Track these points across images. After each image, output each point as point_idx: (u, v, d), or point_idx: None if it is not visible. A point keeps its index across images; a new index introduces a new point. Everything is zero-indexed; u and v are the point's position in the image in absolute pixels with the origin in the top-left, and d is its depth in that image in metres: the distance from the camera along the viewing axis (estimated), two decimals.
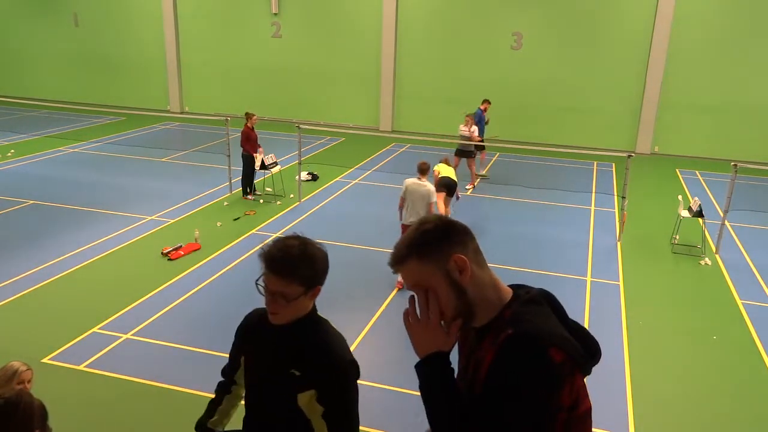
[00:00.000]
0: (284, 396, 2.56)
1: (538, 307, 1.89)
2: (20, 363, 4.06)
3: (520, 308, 1.86)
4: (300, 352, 2.55)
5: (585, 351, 1.86)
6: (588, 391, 1.87)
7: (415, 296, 1.94)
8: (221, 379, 3.01)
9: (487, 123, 14.73)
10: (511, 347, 1.76)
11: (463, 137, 13.31)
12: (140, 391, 6.04)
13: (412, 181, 8.40)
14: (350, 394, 2.59)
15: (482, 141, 13.93)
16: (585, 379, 1.86)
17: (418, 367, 1.92)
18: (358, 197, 12.81)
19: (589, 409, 1.87)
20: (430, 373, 1.89)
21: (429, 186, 8.34)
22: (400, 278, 8.57)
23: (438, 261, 1.86)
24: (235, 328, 2.87)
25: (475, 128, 13.33)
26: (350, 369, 2.59)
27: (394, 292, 8.41)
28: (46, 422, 2.95)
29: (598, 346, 1.96)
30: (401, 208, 8.50)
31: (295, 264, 2.43)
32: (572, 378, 1.78)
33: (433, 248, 1.87)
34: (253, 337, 2.72)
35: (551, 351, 1.73)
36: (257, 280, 2.50)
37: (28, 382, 4.05)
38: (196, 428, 2.96)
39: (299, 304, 2.52)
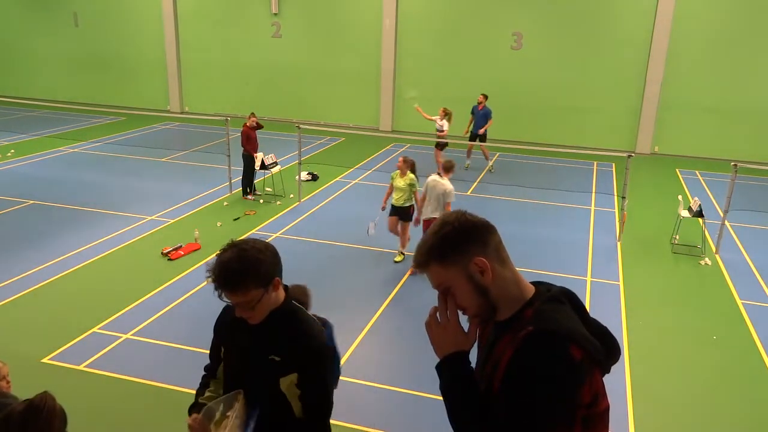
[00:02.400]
0: (266, 382, 2.62)
1: (559, 305, 1.89)
2: None
3: (542, 306, 1.87)
4: (279, 339, 2.61)
5: (605, 349, 1.86)
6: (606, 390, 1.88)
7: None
8: (204, 374, 3.04)
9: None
10: (531, 344, 1.77)
11: (439, 129, 14.27)
12: (140, 391, 6.04)
13: (432, 178, 8.61)
14: (327, 377, 2.66)
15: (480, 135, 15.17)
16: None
17: (438, 367, 1.94)
18: (358, 197, 12.80)
19: (608, 407, 1.88)
20: (450, 372, 1.90)
21: (447, 185, 8.42)
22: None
23: (458, 264, 1.88)
24: None
25: (445, 122, 14.15)
26: (328, 353, 2.66)
27: (394, 292, 8.42)
28: (65, 428, 2.92)
29: (618, 344, 1.98)
30: (420, 204, 8.78)
31: (240, 275, 2.48)
32: (591, 375, 1.78)
33: (452, 253, 1.88)
34: (231, 331, 2.77)
35: (571, 348, 1.74)
36: (220, 296, 2.55)
37: (7, 376, 3.93)
38: (189, 411, 2.92)
39: (266, 302, 2.57)
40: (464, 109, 15.62)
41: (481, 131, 15.06)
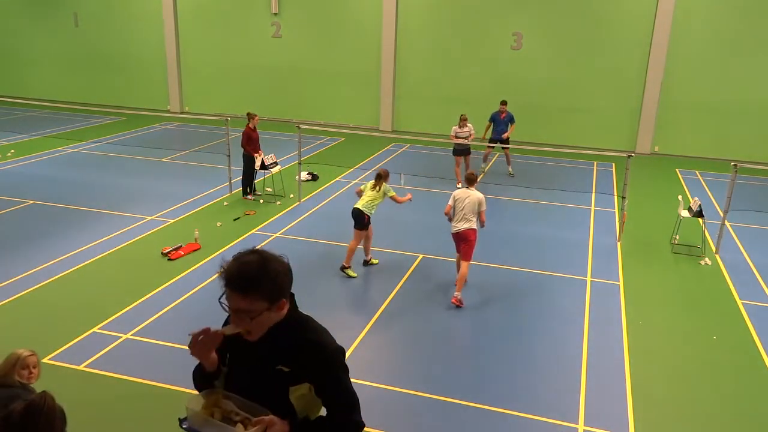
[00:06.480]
0: (275, 393, 2.57)
1: None
2: (24, 349, 4.00)
3: None
4: (287, 349, 2.56)
5: None
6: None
7: None
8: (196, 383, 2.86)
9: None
10: None
11: (460, 136, 13.48)
12: (140, 391, 6.04)
13: (462, 189, 8.33)
14: (346, 378, 2.63)
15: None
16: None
17: None
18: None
19: None
20: None
21: (479, 194, 8.21)
22: (457, 295, 8.12)
23: None
24: None
25: (471, 126, 13.56)
26: (340, 355, 2.62)
27: (394, 292, 8.41)
28: (65, 428, 2.91)
29: None
30: (447, 214, 8.41)
31: (257, 280, 2.40)
32: None
33: None
34: (237, 339, 2.64)
35: None
36: (220, 298, 2.47)
37: (34, 367, 3.98)
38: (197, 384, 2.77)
39: (265, 319, 2.49)
40: (463, 109, 15.60)
41: (506, 135, 14.47)
